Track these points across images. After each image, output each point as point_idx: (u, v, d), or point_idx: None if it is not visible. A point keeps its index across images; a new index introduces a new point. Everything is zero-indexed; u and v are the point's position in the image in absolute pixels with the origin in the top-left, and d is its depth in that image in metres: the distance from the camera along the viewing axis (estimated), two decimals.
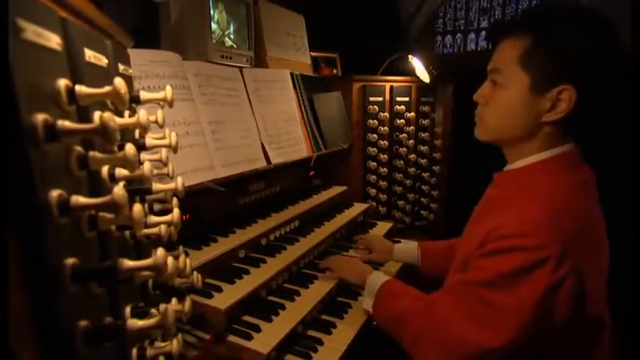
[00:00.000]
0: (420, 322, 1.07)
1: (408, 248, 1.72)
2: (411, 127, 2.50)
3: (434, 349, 1.02)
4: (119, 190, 0.47)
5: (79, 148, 0.51)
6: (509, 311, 0.90)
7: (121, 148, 0.51)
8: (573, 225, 0.93)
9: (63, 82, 0.49)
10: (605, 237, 1.03)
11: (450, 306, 1.01)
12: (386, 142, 2.42)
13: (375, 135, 2.41)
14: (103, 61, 0.65)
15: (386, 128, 2.42)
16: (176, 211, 0.74)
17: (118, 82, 0.52)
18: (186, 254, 0.83)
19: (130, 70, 0.84)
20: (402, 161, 2.49)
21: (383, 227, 2.17)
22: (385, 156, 2.42)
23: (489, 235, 0.96)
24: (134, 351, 0.62)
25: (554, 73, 0.96)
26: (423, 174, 2.61)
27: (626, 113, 1.97)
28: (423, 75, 2.50)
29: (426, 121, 2.56)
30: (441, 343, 1.00)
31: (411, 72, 2.54)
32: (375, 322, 1.31)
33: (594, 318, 0.97)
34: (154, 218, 0.72)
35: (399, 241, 1.84)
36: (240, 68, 1.75)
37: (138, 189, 0.71)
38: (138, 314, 0.64)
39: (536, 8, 1.24)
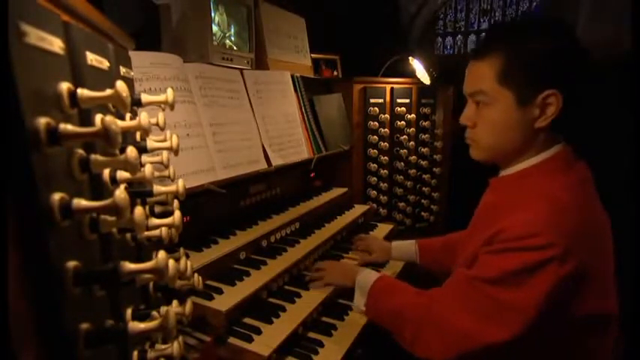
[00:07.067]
0: (419, 317, 1.07)
1: (406, 245, 1.74)
2: (412, 129, 2.50)
3: (435, 342, 1.03)
4: (120, 192, 0.48)
5: (80, 151, 0.51)
6: (515, 308, 0.92)
7: (123, 150, 0.51)
8: (577, 222, 0.94)
9: (65, 86, 0.49)
10: (609, 232, 1.05)
11: (452, 300, 1.02)
12: (386, 144, 2.42)
13: (375, 137, 2.41)
14: (105, 64, 0.65)
15: (386, 130, 2.42)
16: (177, 214, 0.74)
17: (120, 85, 0.52)
18: (187, 256, 0.83)
19: (132, 73, 0.85)
20: (402, 163, 2.49)
21: (383, 229, 2.17)
22: (386, 158, 2.42)
23: (496, 237, 0.97)
24: (135, 353, 0.62)
25: (535, 82, 1.00)
26: (424, 175, 2.61)
27: (622, 109, 1.97)
28: (424, 77, 2.50)
29: (426, 123, 2.56)
30: (442, 336, 1.01)
31: (411, 73, 2.55)
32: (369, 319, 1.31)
33: (600, 313, 0.98)
34: (155, 221, 0.72)
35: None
36: (241, 70, 1.76)
37: (139, 191, 0.71)
38: (139, 317, 0.64)
39: (499, 27, 1.30)
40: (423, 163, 2.58)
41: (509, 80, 1.02)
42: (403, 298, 1.16)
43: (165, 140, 0.78)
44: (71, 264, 0.47)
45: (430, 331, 1.04)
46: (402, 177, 2.49)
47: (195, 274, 0.85)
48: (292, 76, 2.05)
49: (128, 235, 0.67)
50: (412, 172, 2.53)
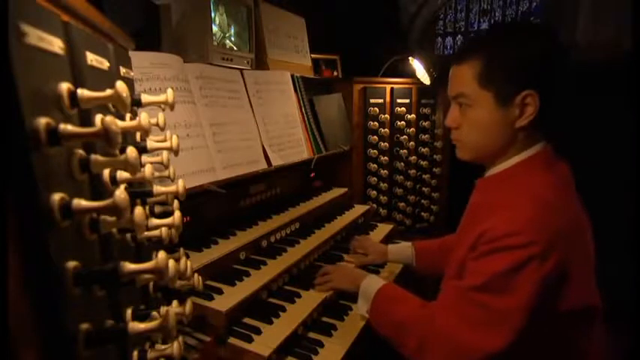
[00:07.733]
0: (423, 331, 1.08)
1: (403, 248, 1.74)
2: (412, 129, 2.50)
3: (440, 356, 1.03)
4: (121, 193, 0.48)
5: (80, 152, 0.51)
6: (507, 312, 0.94)
7: (123, 151, 0.52)
8: (559, 218, 0.97)
9: (65, 86, 0.49)
10: (589, 229, 1.09)
11: (449, 314, 1.03)
12: (386, 144, 2.42)
13: (375, 137, 2.41)
14: (105, 64, 0.65)
15: (386, 130, 2.42)
16: (177, 214, 0.74)
17: (120, 85, 0.52)
18: (187, 256, 0.83)
19: (132, 73, 0.85)
20: (402, 163, 2.49)
21: (383, 229, 2.17)
22: (386, 158, 2.42)
23: (480, 238, 0.99)
24: (135, 353, 0.62)
25: (513, 83, 1.03)
26: (424, 176, 2.61)
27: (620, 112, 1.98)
28: (424, 77, 2.50)
29: (426, 123, 2.56)
30: (446, 350, 1.02)
31: (411, 74, 2.54)
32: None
33: (583, 307, 1.01)
34: (155, 221, 0.72)
35: (396, 242, 1.85)
36: (241, 70, 1.76)
37: (139, 192, 0.71)
38: (139, 317, 0.64)
39: (480, 34, 1.36)
40: (423, 163, 2.57)
41: (489, 82, 1.05)
42: (407, 309, 1.17)
43: (165, 140, 0.78)
44: (71, 264, 0.47)
45: (434, 345, 1.05)
46: (402, 177, 2.49)
47: (195, 275, 0.85)
48: (292, 76, 2.06)
49: (128, 236, 0.67)
50: (412, 172, 2.53)
